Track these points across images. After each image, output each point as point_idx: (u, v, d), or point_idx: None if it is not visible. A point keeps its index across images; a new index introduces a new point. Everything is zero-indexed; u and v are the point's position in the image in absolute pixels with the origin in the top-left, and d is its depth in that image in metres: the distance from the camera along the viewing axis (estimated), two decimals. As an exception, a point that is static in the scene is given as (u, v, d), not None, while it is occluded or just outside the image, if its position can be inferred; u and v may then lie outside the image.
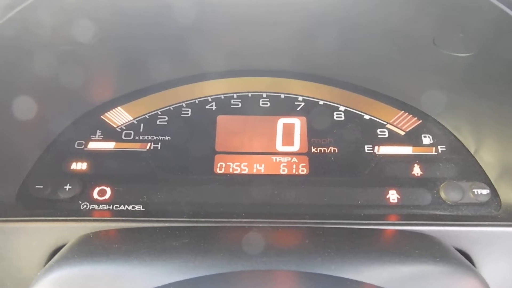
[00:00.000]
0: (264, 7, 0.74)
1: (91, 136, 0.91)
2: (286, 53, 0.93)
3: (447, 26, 0.69)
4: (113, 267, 0.60)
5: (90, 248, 0.65)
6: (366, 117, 0.95)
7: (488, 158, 0.87)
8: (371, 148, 0.91)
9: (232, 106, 0.95)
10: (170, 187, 0.85)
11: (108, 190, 0.84)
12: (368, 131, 0.93)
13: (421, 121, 0.94)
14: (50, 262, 0.64)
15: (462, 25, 0.67)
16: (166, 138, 0.91)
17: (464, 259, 0.67)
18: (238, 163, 0.88)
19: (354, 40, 0.82)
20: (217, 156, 0.89)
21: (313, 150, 0.91)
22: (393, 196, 0.85)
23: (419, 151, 0.91)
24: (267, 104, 0.96)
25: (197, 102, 0.95)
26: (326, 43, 0.84)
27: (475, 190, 0.85)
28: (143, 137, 0.91)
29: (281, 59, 0.96)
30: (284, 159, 0.89)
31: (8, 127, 0.79)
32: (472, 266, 0.70)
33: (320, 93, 0.97)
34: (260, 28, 0.82)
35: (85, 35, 0.75)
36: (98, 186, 0.84)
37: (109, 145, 0.90)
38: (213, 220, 0.76)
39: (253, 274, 0.55)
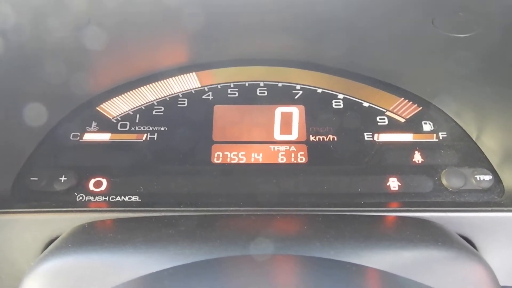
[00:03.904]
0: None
1: (87, 127, 0.89)
2: (283, 41, 0.92)
3: (446, 5, 0.67)
4: (107, 255, 0.59)
5: (85, 238, 0.64)
6: (365, 104, 0.93)
7: (490, 144, 0.85)
8: (370, 136, 0.89)
9: (229, 96, 0.94)
10: (167, 177, 0.83)
11: (104, 181, 0.83)
12: (368, 118, 0.91)
13: (421, 107, 0.93)
14: (44, 252, 0.63)
15: (461, 3, 0.65)
16: (163, 128, 0.89)
17: (467, 244, 0.66)
18: (235, 153, 0.87)
19: (351, 25, 0.81)
20: (214, 146, 0.88)
21: (311, 138, 0.89)
22: (393, 183, 0.84)
23: (419, 138, 0.89)
24: (264, 93, 0.95)
25: (193, 92, 0.94)
26: (322, 30, 0.83)
27: (477, 177, 0.83)
28: (139, 128, 0.89)
29: (278, 47, 0.95)
30: (283, 148, 0.88)
31: (3, 119, 0.78)
32: (476, 250, 0.69)
33: (318, 81, 0.95)
34: (257, 17, 0.81)
35: (80, 24, 0.73)
36: (94, 178, 0.83)
37: (105, 137, 0.88)
38: (210, 209, 0.75)
39: (250, 259, 0.54)
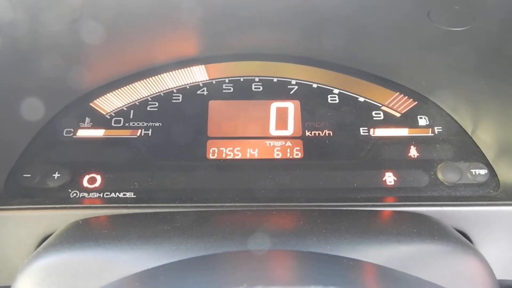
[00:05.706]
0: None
1: (80, 123, 0.88)
2: (279, 36, 0.91)
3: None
4: (102, 252, 0.58)
5: (79, 234, 0.63)
6: (361, 99, 0.93)
7: (485, 138, 0.85)
8: (366, 131, 0.89)
9: (224, 91, 0.93)
10: (162, 173, 0.83)
11: (98, 178, 0.82)
12: (363, 113, 0.91)
13: (416, 102, 0.93)
14: (38, 249, 0.62)
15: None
16: (157, 124, 0.89)
17: (463, 238, 0.66)
18: (231, 148, 0.86)
19: (346, 19, 0.80)
20: (209, 142, 0.87)
21: (307, 133, 0.89)
22: (389, 178, 0.83)
23: (415, 132, 0.89)
24: (259, 88, 0.94)
25: (188, 87, 0.93)
26: (317, 24, 0.82)
27: (473, 171, 0.83)
28: (134, 124, 0.89)
29: (273, 42, 0.94)
30: (278, 143, 0.88)
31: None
32: (472, 244, 0.69)
33: (314, 76, 0.95)
34: (252, 11, 0.80)
35: (74, 18, 0.72)
36: (88, 174, 0.82)
37: (99, 133, 0.88)
38: (206, 205, 0.74)
39: (246, 255, 0.54)
